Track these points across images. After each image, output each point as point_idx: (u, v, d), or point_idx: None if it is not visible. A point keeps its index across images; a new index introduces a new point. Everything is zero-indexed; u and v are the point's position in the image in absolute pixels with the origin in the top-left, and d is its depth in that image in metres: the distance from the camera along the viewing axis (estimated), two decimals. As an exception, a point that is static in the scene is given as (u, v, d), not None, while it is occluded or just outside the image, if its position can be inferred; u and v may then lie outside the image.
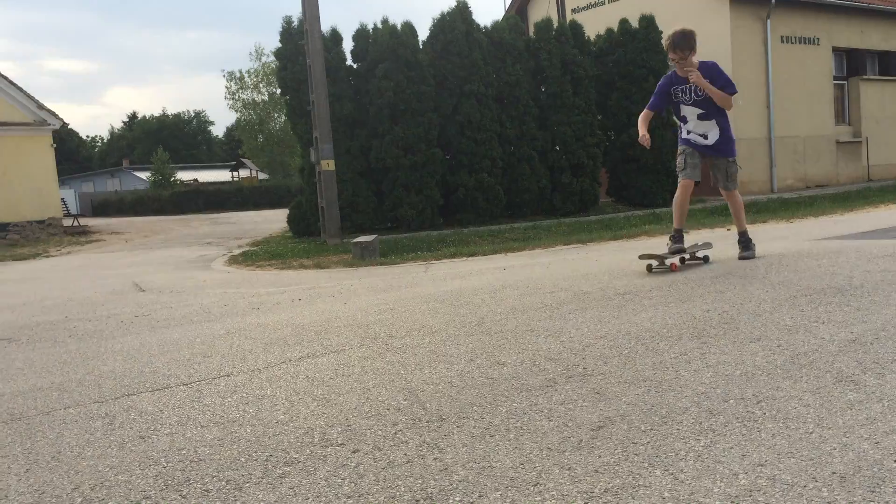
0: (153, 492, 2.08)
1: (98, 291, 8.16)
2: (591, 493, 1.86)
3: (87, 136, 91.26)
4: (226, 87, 56.09)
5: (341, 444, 2.34)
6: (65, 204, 29.33)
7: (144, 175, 58.76)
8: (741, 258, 5.69)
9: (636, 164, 18.16)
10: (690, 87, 5.62)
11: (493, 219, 16.39)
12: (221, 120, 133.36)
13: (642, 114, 5.90)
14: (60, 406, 3.12)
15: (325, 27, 16.21)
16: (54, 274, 11.61)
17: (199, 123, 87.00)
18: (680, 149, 5.80)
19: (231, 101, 55.27)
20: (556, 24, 17.72)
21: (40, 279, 10.69)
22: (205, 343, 4.35)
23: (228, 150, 75.88)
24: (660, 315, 3.85)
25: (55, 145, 26.32)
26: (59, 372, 3.86)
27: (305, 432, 2.49)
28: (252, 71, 54.53)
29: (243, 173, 55.32)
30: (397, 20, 20.63)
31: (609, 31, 18.34)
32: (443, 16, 16.60)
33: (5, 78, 24.79)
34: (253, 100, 54.65)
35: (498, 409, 2.56)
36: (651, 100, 5.89)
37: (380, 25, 16.45)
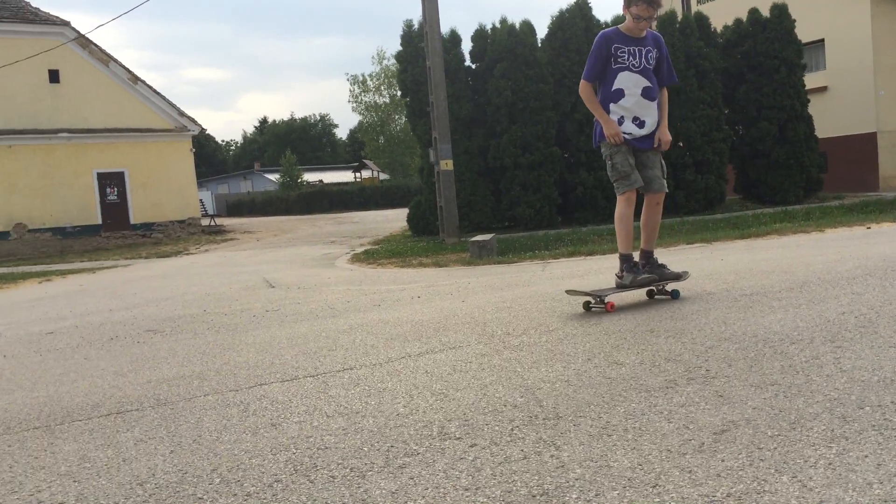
0: (284, 476, 2.21)
1: (232, 287, 8.63)
2: (713, 497, 1.82)
3: (223, 141, 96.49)
4: (349, 90, 58.01)
5: (459, 438, 2.39)
6: (203, 205, 31.22)
7: (274, 177, 61.44)
8: (673, 278, 4.60)
9: (766, 160, 17.36)
10: (643, 49, 4.45)
11: (613, 217, 16.13)
12: (345, 122, 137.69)
13: (585, 89, 4.55)
14: (200, 393, 3.35)
15: (444, 29, 16.41)
16: (193, 270, 12.38)
17: (323, 126, 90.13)
18: (612, 146, 4.51)
19: (354, 104, 56.96)
20: (680, 17, 17.19)
21: (181, 275, 11.42)
22: (330, 337, 4.53)
23: (351, 152, 78.19)
24: (790, 317, 3.68)
25: (194, 150, 28.01)
26: (199, 362, 4.13)
27: (424, 425, 2.56)
28: (374, 74, 56.01)
29: (365, 174, 56.87)
30: (516, 19, 20.56)
31: (737, 21, 17.61)
32: (561, 13, 16.48)
33: (150, 88, 26.58)
34: (375, 102, 56.07)
35: (615, 408, 2.54)
36: (588, 66, 4.52)
37: (498, 25, 16.50)
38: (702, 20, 17.09)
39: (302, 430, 2.65)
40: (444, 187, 13.94)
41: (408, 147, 50.39)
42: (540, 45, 16.43)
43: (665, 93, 4.67)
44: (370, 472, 2.17)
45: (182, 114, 26.95)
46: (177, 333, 5.32)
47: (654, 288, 4.63)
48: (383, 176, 56.52)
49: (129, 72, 26.12)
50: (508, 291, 6.06)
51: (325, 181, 58.11)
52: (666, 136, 4.56)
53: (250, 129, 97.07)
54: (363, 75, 56.91)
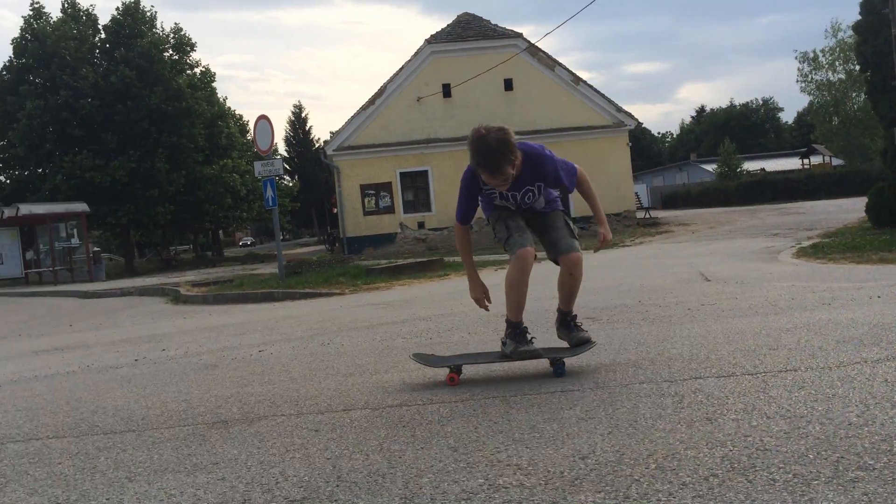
0: (720, 472, 2.18)
1: (667, 279, 8.67)
2: None
3: (659, 133, 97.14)
4: (797, 69, 53.03)
5: (928, 460, 2.09)
6: (637, 198, 31.81)
7: (710, 167, 59.78)
8: (577, 344, 3.94)
9: None
10: (517, 194, 3.82)
11: None
12: (791, 105, 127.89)
13: (458, 232, 4.08)
14: (636, 381, 3.46)
15: (918, -13, 14.19)
16: (628, 262, 12.73)
17: (766, 111, 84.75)
18: (493, 213, 4.00)
19: (803, 84, 52.29)
20: None
21: (616, 266, 11.84)
22: (770, 336, 4.28)
23: (798, 137, 72.14)
24: None
25: (630, 144, 28.67)
26: (634, 350, 4.26)
27: (882, 439, 2.29)
28: (827, 49, 50.65)
29: (815, 160, 51.95)
30: None
31: None
32: None
33: (591, 87, 27.96)
34: (827, 80, 50.77)
35: None
36: (458, 207, 3.96)
37: None
38: None
39: (739, 427, 2.58)
40: (914, 171, 12.03)
41: (866, 128, 44.65)
42: None
43: (585, 185, 4.15)
44: (816, 482, 2.02)
45: (619, 109, 27.81)
46: (613, 322, 5.55)
47: (557, 357, 3.85)
48: (836, 161, 50.94)
49: (572, 74, 27.82)
50: None
51: (768, 169, 54.55)
52: (608, 233, 4.13)
53: (687, 120, 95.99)
54: (814, 51, 51.82)
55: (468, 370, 4.02)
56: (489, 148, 3.51)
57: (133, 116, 29.77)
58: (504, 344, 3.92)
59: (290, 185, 48.86)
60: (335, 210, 30.77)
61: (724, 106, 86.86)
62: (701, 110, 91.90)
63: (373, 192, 27.44)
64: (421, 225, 27.25)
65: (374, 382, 4.05)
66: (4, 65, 30.79)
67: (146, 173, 29.80)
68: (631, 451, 2.44)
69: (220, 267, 27.78)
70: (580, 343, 3.94)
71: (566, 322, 4.07)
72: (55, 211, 26.34)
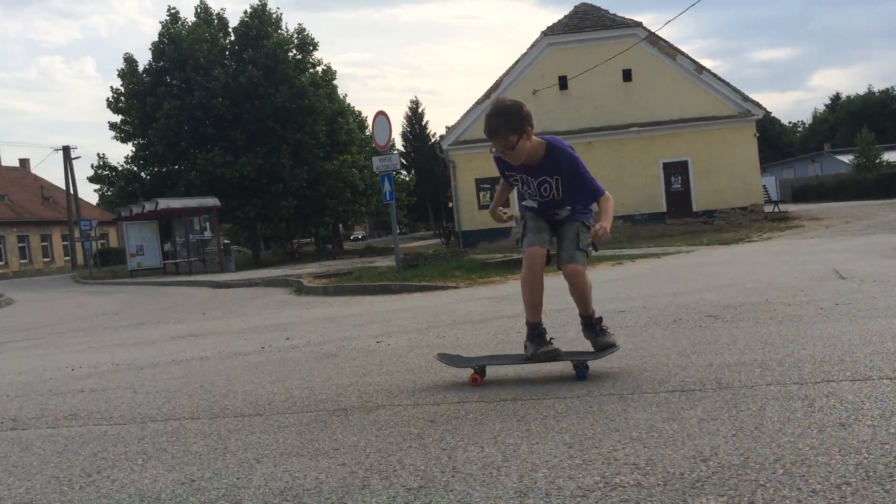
0: (853, 480, 2.06)
1: (796, 276, 8.24)
2: None
3: (789, 123, 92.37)
4: (944, 51, 49.05)
5: None
6: (765, 190, 30.33)
7: (846, 158, 56.33)
8: (601, 348, 3.93)
9: None
10: (534, 181, 3.88)
11: None
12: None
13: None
14: (762, 382, 3.32)
15: None
16: (754, 258, 12.18)
17: (909, 97, 78.78)
18: (520, 215, 4.13)
19: (951, 67, 48.25)
20: None
21: (741, 262, 11.36)
22: (913, 338, 4.00)
23: (947, 124, 66.72)
24: None
25: (757, 134, 27.39)
26: (761, 350, 4.08)
27: None
28: (981, 28, 46.50)
29: (965, 149, 47.86)
30: None
31: None
32: None
33: (714, 76, 26.91)
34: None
35: None
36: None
37: None
38: None
39: (875, 434, 2.43)
40: None
41: None
42: None
43: (605, 202, 3.91)
44: (964, 497, 1.88)
45: (746, 98, 26.62)
46: (738, 321, 5.33)
47: (579, 360, 3.85)
48: None
49: (695, 62, 26.86)
50: None
51: (915, 159, 50.77)
52: (604, 228, 3.71)
53: (821, 108, 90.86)
54: (965, 32, 47.73)
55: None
56: (496, 112, 3.66)
57: (260, 115, 31.12)
58: (526, 347, 3.92)
59: (407, 179, 49.70)
60: (451, 204, 31.05)
61: (861, 93, 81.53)
62: (836, 98, 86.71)
63: (488, 186, 27.49)
64: (536, 219, 27.08)
65: (489, 375, 4.07)
66: (144, 68, 32.89)
67: (272, 169, 31.10)
68: (756, 455, 2.35)
69: (339, 259, 28.66)
70: (604, 347, 3.93)
71: (591, 325, 4.05)
72: (190, 205, 27.99)
